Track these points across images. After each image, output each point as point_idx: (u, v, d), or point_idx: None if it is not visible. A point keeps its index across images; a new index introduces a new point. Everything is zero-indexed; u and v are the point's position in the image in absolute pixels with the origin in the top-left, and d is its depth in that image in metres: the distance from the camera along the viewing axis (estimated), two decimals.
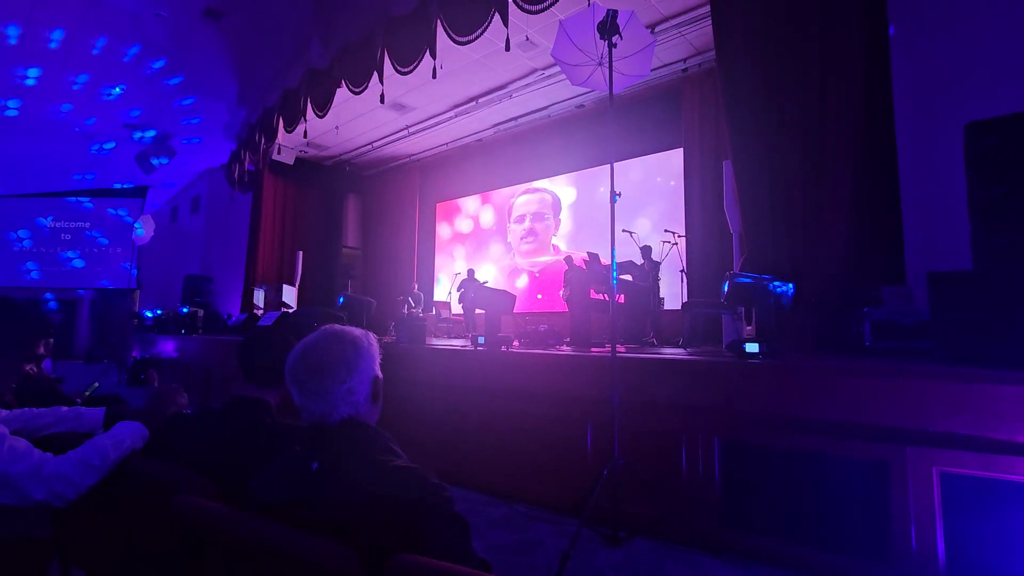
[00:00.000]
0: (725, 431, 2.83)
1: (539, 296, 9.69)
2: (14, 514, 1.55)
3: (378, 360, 1.15)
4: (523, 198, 10.24)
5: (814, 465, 2.58)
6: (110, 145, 11.54)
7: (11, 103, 9.37)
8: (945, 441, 2.25)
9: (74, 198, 15.28)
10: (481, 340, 4.00)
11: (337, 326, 1.14)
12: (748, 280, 2.97)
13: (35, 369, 3.17)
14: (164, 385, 1.81)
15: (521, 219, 10.20)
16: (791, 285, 3.02)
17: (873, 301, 3.50)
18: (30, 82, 8.70)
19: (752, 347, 2.79)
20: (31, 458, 1.26)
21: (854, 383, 2.48)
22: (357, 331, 1.14)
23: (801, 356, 3.11)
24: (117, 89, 9.06)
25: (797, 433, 2.60)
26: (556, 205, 9.75)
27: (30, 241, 15.07)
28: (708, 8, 5.12)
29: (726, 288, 3.05)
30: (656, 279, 6.24)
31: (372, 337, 1.16)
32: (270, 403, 1.54)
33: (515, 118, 9.15)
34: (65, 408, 1.68)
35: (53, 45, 7.68)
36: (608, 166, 3.09)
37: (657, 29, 6.50)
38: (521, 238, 10.13)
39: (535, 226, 9.98)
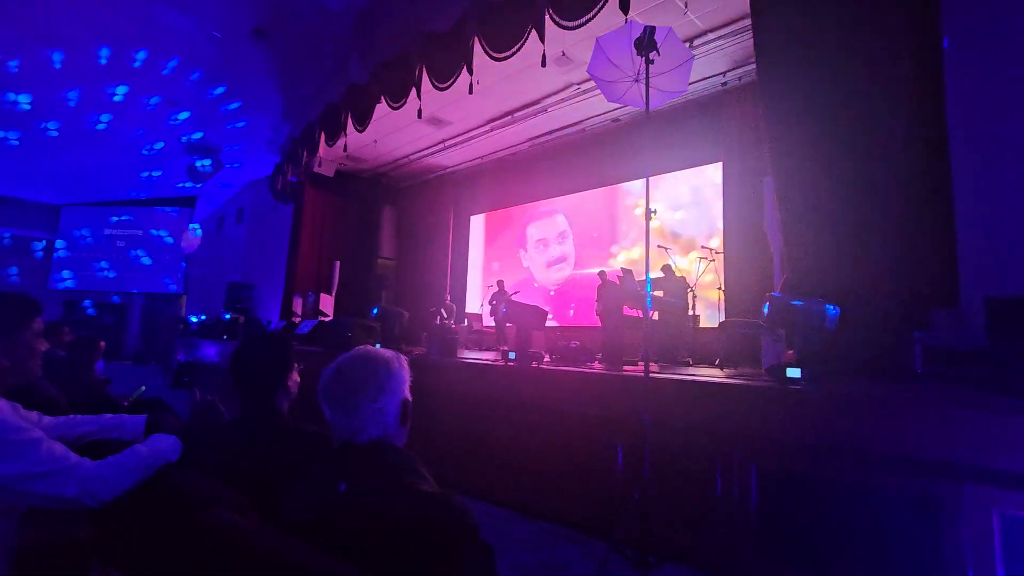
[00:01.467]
0: (763, 458, 2.71)
1: (571, 311, 9.61)
2: (56, 516, 1.61)
3: (408, 383, 1.15)
4: (536, 225, 10.30)
5: (859, 498, 2.44)
6: (159, 145, 12.14)
7: (104, 118, 10.02)
8: (1008, 481, 2.09)
9: (129, 207, 16.13)
10: (512, 355, 3.99)
11: (370, 347, 1.15)
12: (790, 301, 2.86)
13: (52, 348, 3.33)
14: (203, 399, 1.86)
15: (544, 244, 10.20)
16: (835, 307, 2.89)
17: (924, 324, 3.32)
18: (117, 98, 9.30)
19: (794, 372, 2.68)
20: (68, 459, 1.30)
21: (905, 414, 2.34)
22: (389, 353, 1.15)
23: (845, 382, 2.97)
24: (184, 115, 9.60)
25: (840, 464, 2.47)
26: (567, 224, 9.85)
27: (83, 249, 15.95)
28: (749, 22, 5.04)
29: (767, 309, 2.95)
30: (684, 296, 6.10)
31: (403, 360, 1.16)
32: (282, 411, 1.56)
33: (550, 132, 9.18)
34: (108, 416, 1.74)
35: (137, 64, 8.19)
36: (644, 180, 3.05)
37: (696, 43, 6.42)
38: (549, 265, 10.11)
39: (563, 250, 9.98)
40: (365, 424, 1.06)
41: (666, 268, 6.22)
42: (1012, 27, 3.60)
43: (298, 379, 1.66)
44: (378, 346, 5.12)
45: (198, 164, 11.38)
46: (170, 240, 15.86)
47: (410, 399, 1.15)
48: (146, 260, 16.06)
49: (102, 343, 3.75)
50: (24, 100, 9.27)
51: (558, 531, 3.26)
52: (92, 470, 1.32)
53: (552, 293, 9.93)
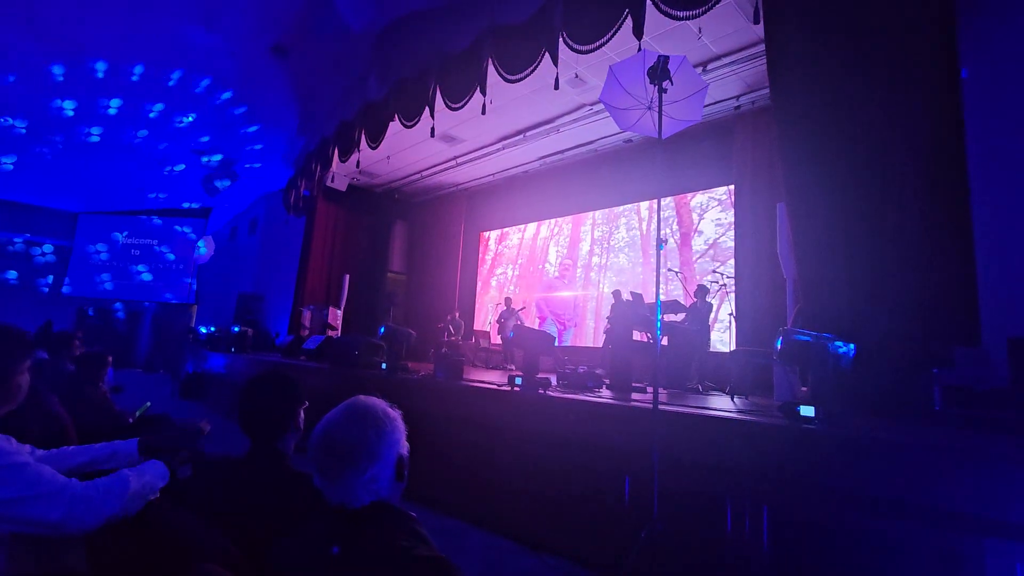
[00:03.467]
0: (775, 499, 2.62)
1: (606, 324, 9.53)
2: (47, 546, 1.58)
3: (403, 437, 1.11)
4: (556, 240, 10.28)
5: (875, 547, 2.34)
6: (180, 168, 12.39)
7: (94, 129, 10.22)
8: None
9: (145, 216, 16.37)
10: (518, 381, 3.93)
11: (362, 399, 1.11)
12: (804, 339, 2.79)
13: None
14: (188, 423, 1.83)
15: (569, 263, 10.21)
16: (852, 346, 2.82)
17: (944, 363, 3.22)
18: (112, 111, 9.49)
19: (808, 411, 2.61)
20: (55, 482, 1.28)
21: (923, 459, 2.25)
22: (381, 407, 1.11)
23: (861, 422, 2.88)
24: (190, 117, 9.77)
25: (856, 510, 2.38)
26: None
27: (101, 256, 16.18)
28: (762, 47, 5.03)
29: (779, 345, 2.88)
30: (707, 321, 6.05)
31: (396, 413, 1.12)
32: (286, 453, 1.53)
33: (562, 151, 9.21)
34: (100, 446, 1.72)
35: (134, 78, 8.37)
36: (656, 201, 3.01)
37: (710, 67, 6.43)
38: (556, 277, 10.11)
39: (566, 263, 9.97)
40: (357, 493, 1.02)
41: (700, 290, 6.16)
42: None
43: (303, 416, 1.64)
44: (383, 366, 5.04)
45: (217, 183, 11.57)
46: (184, 250, 16.05)
47: (406, 454, 1.11)
48: (160, 269, 16.26)
49: (110, 357, 3.75)
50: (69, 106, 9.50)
51: (563, 567, 3.17)
52: (79, 491, 1.30)
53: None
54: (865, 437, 2.45)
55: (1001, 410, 2.90)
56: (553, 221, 10.44)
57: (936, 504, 2.19)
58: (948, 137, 3.62)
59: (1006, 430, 2.76)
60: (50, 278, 15.79)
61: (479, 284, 11.69)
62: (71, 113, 9.48)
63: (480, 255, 11.81)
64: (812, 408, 2.63)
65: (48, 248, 15.95)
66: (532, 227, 10.79)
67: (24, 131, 10.07)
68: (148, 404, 4.20)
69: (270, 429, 1.52)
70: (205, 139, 10.77)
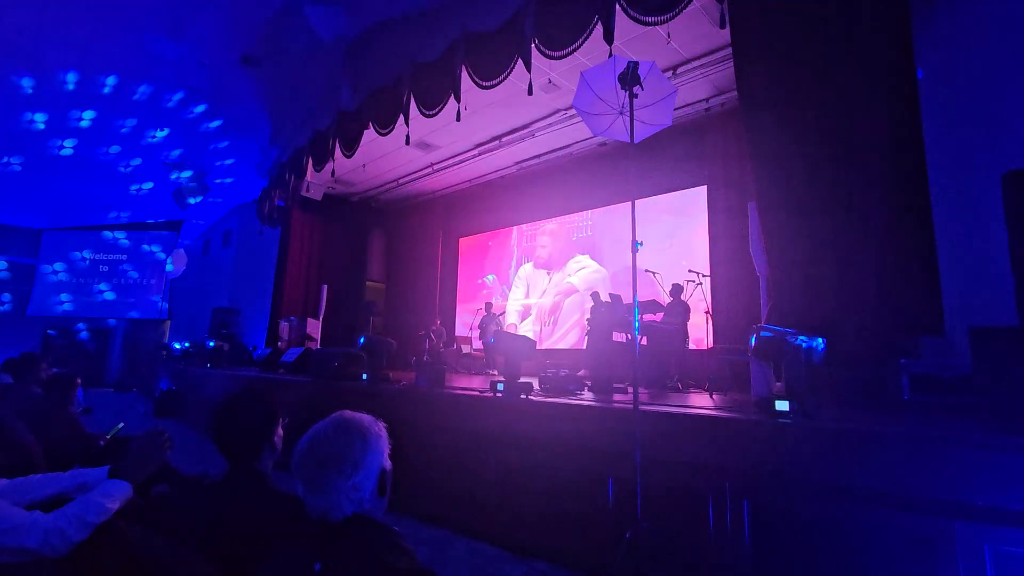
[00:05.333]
0: (755, 494, 2.68)
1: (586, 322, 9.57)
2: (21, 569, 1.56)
3: (387, 450, 1.11)
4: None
5: (852, 535, 2.41)
6: (148, 185, 12.12)
7: (67, 142, 9.92)
8: (997, 517, 2.08)
9: (112, 231, 15.93)
10: (500, 387, 3.94)
11: (347, 413, 1.11)
12: (775, 335, 2.87)
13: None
14: (151, 434, 1.78)
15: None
16: (821, 340, 2.90)
17: (911, 353, 3.34)
18: (84, 123, 9.23)
19: (782, 405, 2.67)
20: (21, 517, 1.32)
21: (892, 449, 2.33)
22: (366, 419, 1.11)
23: (834, 413, 2.96)
24: (161, 132, 9.57)
25: (832, 501, 2.45)
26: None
27: (66, 274, 15.66)
28: (730, 51, 5.15)
29: (753, 342, 2.95)
30: (685, 320, 6.14)
31: (381, 428, 1.13)
32: (265, 473, 1.51)
33: (538, 156, 9.27)
34: (68, 476, 1.68)
35: (106, 90, 8.17)
36: (630, 203, 3.06)
37: (679, 71, 6.55)
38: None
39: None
40: (340, 503, 1.02)
41: (675, 289, 6.26)
42: (983, 59, 3.71)
43: (282, 433, 1.62)
44: (364, 376, 5.00)
45: (188, 196, 11.34)
46: (155, 264, 15.66)
47: (389, 468, 1.11)
48: (131, 284, 15.82)
49: (79, 379, 3.64)
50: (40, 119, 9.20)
51: (549, 571, 3.18)
52: (50, 523, 1.33)
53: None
54: (838, 428, 2.52)
55: (965, 396, 3.02)
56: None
57: (907, 491, 2.27)
58: (907, 132, 3.76)
59: (971, 415, 2.87)
60: (7, 296, 15.20)
61: (459, 290, 11.67)
62: (42, 127, 9.20)
63: (459, 261, 11.79)
64: (787, 403, 2.69)
65: (2, 265, 15.34)
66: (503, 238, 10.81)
67: None
68: (121, 425, 4.07)
69: (247, 450, 1.50)
70: (176, 153, 10.55)
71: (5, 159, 10.34)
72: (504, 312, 9.73)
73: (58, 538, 1.32)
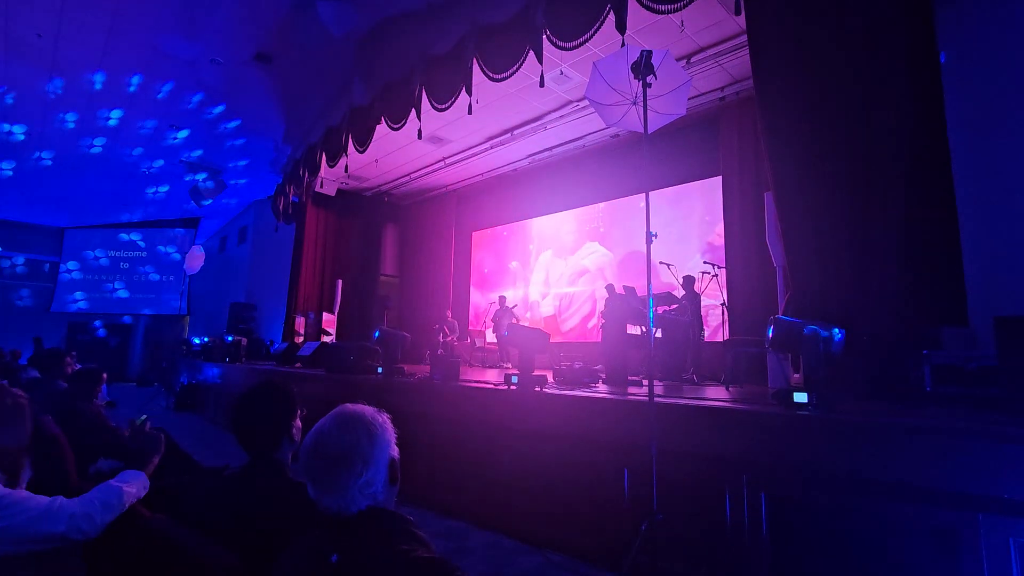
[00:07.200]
0: (773, 487, 2.65)
1: (591, 323, 9.56)
2: (49, 559, 1.61)
3: (394, 439, 1.12)
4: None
5: (872, 528, 2.38)
6: (164, 188, 12.32)
7: (97, 140, 10.13)
8: (1022, 509, 2.03)
9: (132, 229, 16.23)
10: (514, 379, 3.94)
11: (349, 407, 1.11)
12: (793, 326, 2.82)
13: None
14: (152, 432, 1.89)
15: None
16: (840, 330, 2.85)
17: (932, 343, 3.27)
18: (112, 122, 9.39)
19: (801, 397, 2.63)
20: (53, 501, 1.39)
21: (915, 441, 2.29)
22: (369, 412, 1.11)
23: (854, 405, 2.91)
24: (182, 133, 9.70)
25: (852, 493, 2.41)
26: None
27: (87, 271, 16.01)
28: (745, 38, 5.06)
29: (770, 333, 2.91)
30: (698, 312, 6.08)
31: (385, 419, 1.13)
32: (285, 463, 1.53)
33: (550, 148, 9.22)
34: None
35: (132, 89, 8.30)
36: (643, 195, 3.03)
37: (693, 60, 6.46)
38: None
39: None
40: (354, 498, 1.03)
41: (687, 281, 6.21)
42: (1008, 41, 3.60)
43: (300, 425, 1.64)
44: (379, 370, 5.04)
45: (205, 193, 11.51)
46: (174, 261, 15.92)
47: (397, 456, 1.12)
48: (150, 281, 16.12)
49: (104, 374, 3.72)
50: (19, 130, 9.37)
51: (565, 563, 3.19)
52: (75, 507, 1.41)
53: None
54: (858, 420, 2.49)
55: (990, 387, 2.95)
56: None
57: (930, 484, 2.23)
58: (930, 121, 3.67)
59: (996, 407, 2.81)
60: (26, 291, 15.58)
61: (472, 283, 11.69)
62: (72, 125, 9.36)
63: (471, 254, 11.80)
64: (805, 394, 2.66)
65: (27, 261, 15.72)
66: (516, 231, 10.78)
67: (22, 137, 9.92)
68: (144, 417, 4.17)
69: (267, 441, 1.52)
70: (198, 153, 10.70)
71: (37, 154, 10.54)
72: (515, 305, 9.74)
73: (86, 522, 1.39)
